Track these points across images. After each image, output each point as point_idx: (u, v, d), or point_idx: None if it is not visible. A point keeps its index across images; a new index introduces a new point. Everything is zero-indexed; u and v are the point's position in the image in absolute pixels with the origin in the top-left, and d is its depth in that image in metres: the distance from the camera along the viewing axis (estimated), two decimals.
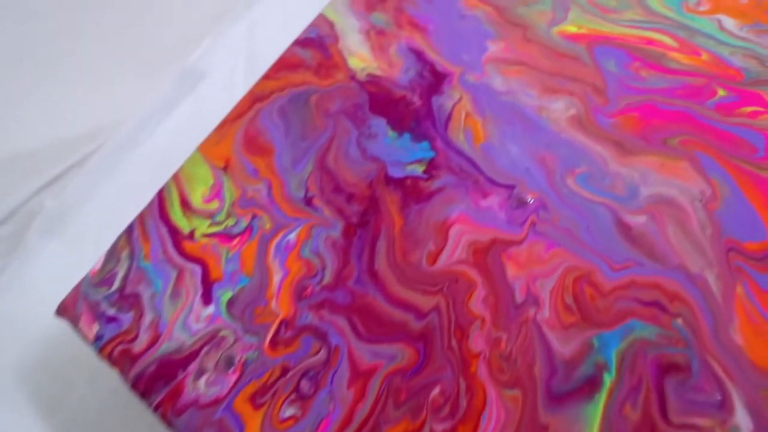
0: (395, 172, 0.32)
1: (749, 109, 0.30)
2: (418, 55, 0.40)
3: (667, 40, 0.35)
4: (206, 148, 0.38)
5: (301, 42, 0.45)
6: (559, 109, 0.33)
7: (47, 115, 0.55)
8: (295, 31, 0.51)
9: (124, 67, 0.58)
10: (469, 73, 0.37)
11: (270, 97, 0.41)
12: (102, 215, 0.50)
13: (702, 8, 0.37)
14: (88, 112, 0.55)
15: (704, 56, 0.34)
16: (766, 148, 0.29)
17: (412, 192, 0.31)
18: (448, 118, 0.35)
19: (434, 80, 0.38)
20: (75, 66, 0.57)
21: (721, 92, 0.31)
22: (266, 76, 0.43)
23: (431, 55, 0.40)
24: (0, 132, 0.55)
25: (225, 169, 0.38)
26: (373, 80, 0.38)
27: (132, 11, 0.61)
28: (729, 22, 0.35)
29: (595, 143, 0.31)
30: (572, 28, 0.38)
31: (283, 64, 0.43)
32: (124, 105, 0.56)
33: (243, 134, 0.38)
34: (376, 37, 0.42)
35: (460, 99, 0.35)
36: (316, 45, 0.44)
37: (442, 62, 0.37)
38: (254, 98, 0.42)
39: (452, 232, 0.30)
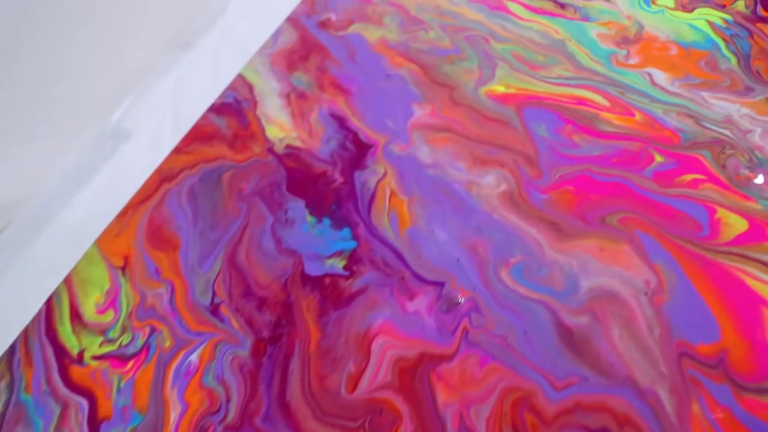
0: (313, 269, 0.27)
1: (689, 177, 0.27)
2: (341, 122, 0.36)
3: (599, 98, 0.32)
4: (105, 242, 0.32)
5: (217, 108, 0.40)
6: (490, 185, 0.29)
7: None
8: (226, 83, 0.47)
9: (34, 131, 0.52)
10: (394, 143, 0.34)
11: (179, 176, 0.37)
12: (5, 308, 0.44)
13: (631, 61, 0.34)
14: None
15: (638, 116, 0.31)
16: (710, 224, 0.25)
17: (331, 294, 0.27)
18: (372, 197, 0.31)
19: (357, 152, 0.34)
20: None
21: (659, 158, 0.29)
22: (177, 150, 0.39)
23: (354, 122, 0.36)
24: None
25: (124, 269, 0.33)
26: (291, 153, 0.33)
27: (41, 65, 0.55)
28: (660, 76, 0.33)
29: (530, 225, 0.27)
30: (500, 88, 0.35)
31: (196, 135, 0.39)
32: (34, 176, 0.50)
33: (147, 223, 0.32)
34: (297, 101, 0.37)
35: (384, 174, 0.30)
36: (232, 111, 0.40)
37: (365, 130, 0.33)
38: (162, 178, 0.36)
39: (375, 345, 0.25)
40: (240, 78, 0.41)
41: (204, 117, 0.39)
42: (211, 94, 0.44)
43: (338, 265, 0.28)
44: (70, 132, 0.46)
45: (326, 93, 0.37)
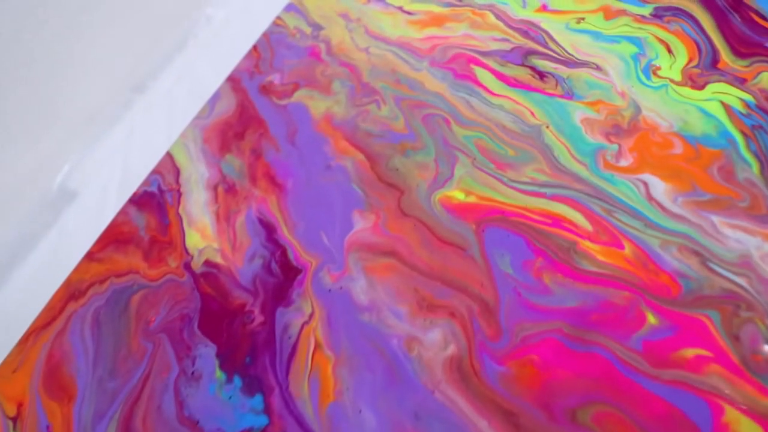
0: None
1: (690, 352, 0.20)
2: (269, 232, 0.30)
3: (579, 218, 0.23)
4: (2, 378, 0.26)
5: (139, 199, 0.34)
6: (435, 344, 0.22)
7: None
8: (181, 129, 0.41)
9: None
10: (327, 268, 0.26)
11: (87, 294, 0.31)
12: None
13: (623, 162, 0.26)
14: None
15: (627, 249, 0.23)
16: (715, 428, 0.20)
17: None
18: (293, 351, 0.24)
19: (283, 278, 0.28)
20: None
21: (651, 318, 0.21)
22: (90, 255, 0.33)
23: (285, 233, 0.30)
24: None
25: (15, 420, 0.26)
26: (210, 274, 0.26)
27: None
28: (658, 188, 0.25)
29: (479, 413, 0.20)
30: (458, 195, 0.28)
31: (113, 235, 0.33)
32: None
33: (46, 359, 0.26)
34: (225, 196, 0.29)
35: (311, 315, 0.24)
36: (154, 206, 0.34)
37: (296, 246, 0.26)
38: (70, 293, 0.28)
39: None
40: (168, 158, 0.35)
41: (123, 211, 0.33)
42: (163, 145, 0.38)
43: None
44: (7, 199, 0.41)
45: (258, 188, 0.31)
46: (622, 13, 0.32)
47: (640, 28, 0.31)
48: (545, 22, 0.33)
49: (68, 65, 0.42)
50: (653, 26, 0.31)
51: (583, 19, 0.32)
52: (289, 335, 0.24)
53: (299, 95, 0.35)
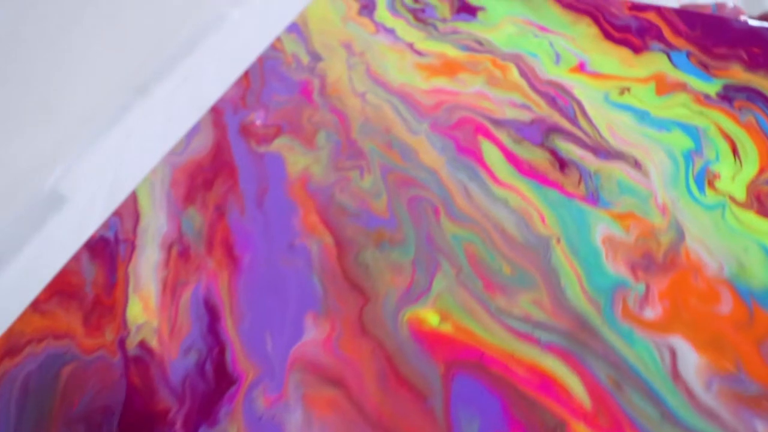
0: None
1: None
2: (212, 320, 0.25)
3: (577, 386, 0.17)
4: None
5: (94, 245, 0.31)
6: None
7: None
8: (178, 136, 0.37)
9: None
10: (263, 386, 0.21)
11: (24, 351, 0.28)
12: None
13: (648, 313, 0.18)
14: None
15: None
16: None
17: None
18: None
19: (215, 387, 0.23)
20: None
21: None
22: (35, 305, 0.29)
23: (228, 326, 0.25)
24: None
25: None
26: (141, 360, 0.22)
27: None
28: (690, 360, 0.17)
29: None
30: (432, 319, 0.22)
31: (60, 286, 0.29)
32: None
33: None
34: (177, 261, 0.25)
35: None
36: (107, 257, 0.30)
37: (236, 347, 0.21)
38: (9, 346, 0.25)
39: None
40: (132, 198, 0.31)
41: (77, 257, 0.30)
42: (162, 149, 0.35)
43: None
44: None
45: (213, 258, 0.27)
46: (681, 87, 0.25)
47: (700, 113, 0.24)
48: (579, 87, 0.26)
49: (68, 61, 0.39)
50: (718, 112, 0.24)
51: (628, 89, 0.26)
52: None
53: (279, 143, 0.30)
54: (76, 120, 0.39)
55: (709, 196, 0.21)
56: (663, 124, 0.23)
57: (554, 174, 0.23)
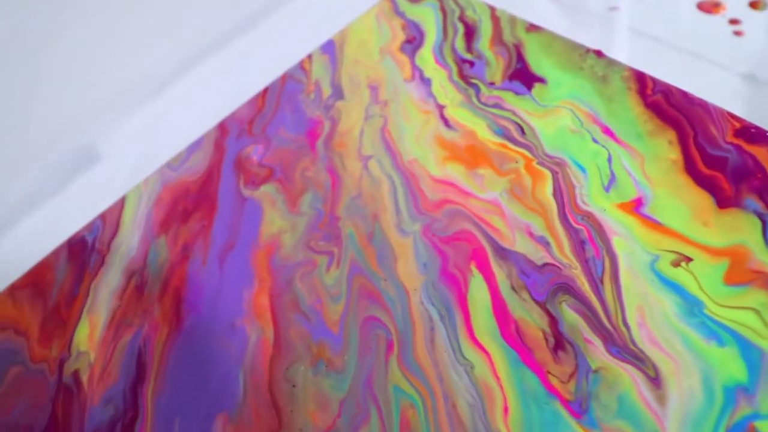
0: None
1: None
2: (137, 380, 0.23)
3: None
4: None
5: (75, 245, 0.29)
6: None
7: None
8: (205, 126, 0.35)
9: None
10: None
11: None
12: None
13: None
14: None
15: None
16: None
17: None
18: None
19: None
20: None
21: None
22: (12, 290, 0.29)
23: (147, 394, 0.22)
24: None
25: None
26: (69, 393, 0.21)
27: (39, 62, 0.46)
28: None
29: None
30: None
31: (35, 278, 0.29)
32: None
33: None
34: (130, 296, 0.23)
35: None
36: (78, 264, 0.28)
37: (147, 421, 0.19)
38: None
39: None
40: (119, 205, 0.30)
41: (57, 252, 0.29)
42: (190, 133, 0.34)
43: None
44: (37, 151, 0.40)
45: (161, 305, 0.25)
46: (764, 281, 0.18)
47: None
48: (623, 236, 0.19)
49: (123, 26, 0.38)
50: None
51: (687, 260, 0.18)
52: None
53: (265, 191, 0.26)
54: (120, 86, 0.38)
55: None
56: (715, 332, 0.17)
57: (543, 353, 0.17)
